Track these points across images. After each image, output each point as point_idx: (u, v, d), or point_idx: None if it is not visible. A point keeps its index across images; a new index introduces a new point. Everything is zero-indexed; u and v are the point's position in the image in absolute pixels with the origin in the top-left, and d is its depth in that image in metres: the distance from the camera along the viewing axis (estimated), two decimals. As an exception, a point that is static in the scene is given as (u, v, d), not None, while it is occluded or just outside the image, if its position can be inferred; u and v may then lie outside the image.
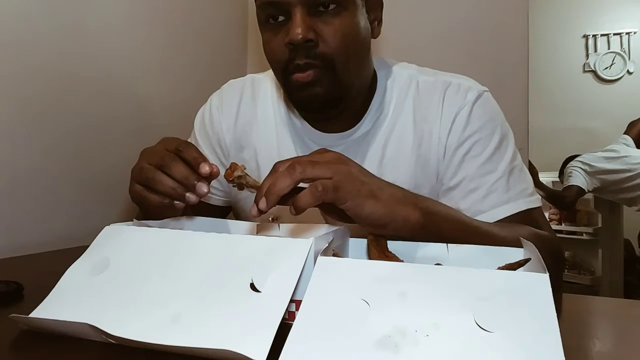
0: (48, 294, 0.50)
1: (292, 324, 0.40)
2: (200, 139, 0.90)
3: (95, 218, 1.08)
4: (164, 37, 1.28)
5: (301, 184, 0.52)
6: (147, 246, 0.52)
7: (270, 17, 0.72)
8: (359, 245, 0.59)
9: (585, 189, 2.77)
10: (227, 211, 0.96)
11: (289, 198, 0.51)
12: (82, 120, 1.06)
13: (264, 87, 0.89)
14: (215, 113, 0.90)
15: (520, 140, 0.99)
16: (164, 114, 1.26)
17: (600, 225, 3.03)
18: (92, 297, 0.48)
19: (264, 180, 0.53)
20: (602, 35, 3.99)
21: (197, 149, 0.60)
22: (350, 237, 0.60)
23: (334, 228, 0.56)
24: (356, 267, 0.44)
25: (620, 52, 3.96)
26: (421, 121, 0.80)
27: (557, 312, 0.37)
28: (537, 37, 2.89)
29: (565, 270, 2.93)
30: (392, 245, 0.56)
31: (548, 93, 3.81)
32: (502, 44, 1.34)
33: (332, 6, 0.70)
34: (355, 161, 0.57)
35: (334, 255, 0.49)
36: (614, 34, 3.97)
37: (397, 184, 0.59)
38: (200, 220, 0.69)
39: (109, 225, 0.57)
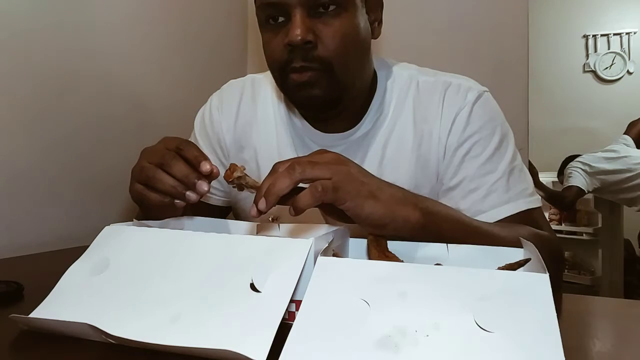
0: (48, 294, 0.50)
1: (292, 324, 0.40)
2: (200, 139, 0.90)
3: (95, 218, 1.08)
4: (164, 36, 1.28)
5: (301, 185, 0.52)
6: (147, 246, 0.52)
7: (270, 17, 0.72)
8: (359, 245, 0.59)
9: (585, 190, 2.77)
10: (227, 211, 0.96)
11: (289, 198, 0.51)
12: (82, 120, 1.06)
13: (264, 87, 0.89)
14: (215, 113, 0.90)
15: (520, 140, 0.99)
16: (164, 113, 1.26)
17: (600, 225, 3.03)
18: (92, 297, 0.48)
19: (263, 181, 0.53)
20: (602, 35, 3.99)
21: (197, 147, 0.60)
22: (350, 237, 0.60)
23: (334, 228, 0.56)
24: (356, 267, 0.44)
25: (620, 52, 3.96)
26: (421, 121, 0.80)
27: (557, 312, 0.37)
28: (537, 37, 2.88)
29: (565, 270, 2.93)
30: (392, 245, 0.56)
31: (548, 93, 3.80)
32: (502, 44, 1.34)
33: (331, 7, 0.70)
34: (355, 161, 0.58)
35: (334, 255, 0.49)
36: (614, 34, 3.97)
37: (397, 184, 0.59)
38: (200, 220, 0.69)
39: (109, 225, 0.57)
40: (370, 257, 0.54)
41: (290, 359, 0.37)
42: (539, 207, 0.78)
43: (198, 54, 1.40)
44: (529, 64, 1.34)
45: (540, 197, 0.81)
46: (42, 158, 0.98)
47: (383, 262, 0.46)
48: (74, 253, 0.54)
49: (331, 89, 0.72)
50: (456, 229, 0.61)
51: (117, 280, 0.49)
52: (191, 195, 0.58)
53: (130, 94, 1.18)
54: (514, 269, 0.48)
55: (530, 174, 0.82)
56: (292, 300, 0.45)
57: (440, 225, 0.58)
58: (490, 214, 0.74)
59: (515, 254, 0.53)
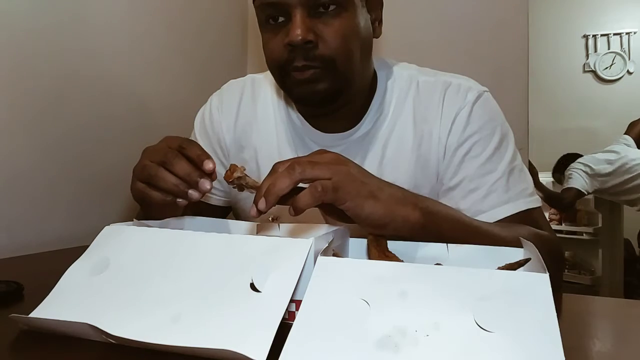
0: (48, 294, 0.50)
1: (292, 324, 0.40)
2: (200, 139, 0.90)
3: (95, 218, 1.08)
4: (164, 36, 1.28)
5: (301, 185, 0.52)
6: (147, 246, 0.52)
7: (270, 17, 0.72)
8: (359, 245, 0.59)
9: (585, 192, 2.77)
10: (227, 211, 0.96)
11: (289, 198, 0.51)
12: (82, 119, 1.06)
13: (264, 87, 0.89)
14: (215, 113, 0.90)
15: (520, 140, 0.99)
16: (164, 113, 1.26)
17: (600, 225, 3.03)
18: (92, 297, 0.48)
19: (263, 181, 0.53)
20: (602, 35, 4.00)
21: (200, 146, 0.60)
22: (350, 237, 0.60)
23: (334, 228, 0.56)
24: (356, 267, 0.44)
25: (620, 52, 3.96)
26: (421, 121, 0.80)
27: (557, 312, 0.37)
28: (537, 37, 2.88)
29: (565, 270, 2.93)
30: (392, 245, 0.56)
31: (548, 93, 3.81)
32: (502, 43, 1.34)
33: (332, 7, 0.70)
34: (355, 161, 0.58)
35: (334, 255, 0.49)
36: (614, 34, 3.97)
37: (397, 184, 0.59)
38: (201, 220, 0.69)
39: (108, 225, 0.57)
40: (370, 257, 0.54)
41: (290, 359, 0.37)
42: (539, 207, 0.78)
43: (198, 54, 1.40)
44: (529, 64, 1.34)
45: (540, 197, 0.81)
46: (42, 158, 0.98)
47: (383, 262, 0.46)
48: (74, 253, 0.54)
49: (333, 83, 0.72)
50: (456, 228, 0.61)
51: (117, 280, 0.49)
52: (193, 194, 0.58)
53: (130, 94, 1.18)
54: (514, 269, 0.48)
55: (530, 174, 0.82)
56: (292, 300, 0.45)
57: (440, 225, 0.58)
58: (490, 214, 0.74)
59: (515, 254, 0.53)
